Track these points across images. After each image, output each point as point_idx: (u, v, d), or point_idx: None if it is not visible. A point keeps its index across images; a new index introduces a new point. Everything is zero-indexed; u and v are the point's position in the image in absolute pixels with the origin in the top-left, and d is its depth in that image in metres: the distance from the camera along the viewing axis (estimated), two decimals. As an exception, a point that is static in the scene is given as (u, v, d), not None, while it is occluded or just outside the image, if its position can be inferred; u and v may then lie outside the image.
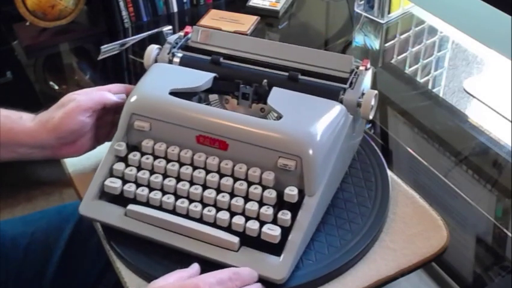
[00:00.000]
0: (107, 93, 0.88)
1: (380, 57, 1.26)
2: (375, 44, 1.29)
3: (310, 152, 0.75)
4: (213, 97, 0.88)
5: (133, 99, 0.83)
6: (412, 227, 0.82)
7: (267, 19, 1.35)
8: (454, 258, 0.82)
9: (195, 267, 0.74)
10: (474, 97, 1.09)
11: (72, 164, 0.93)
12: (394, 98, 1.10)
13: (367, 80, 0.84)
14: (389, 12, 1.31)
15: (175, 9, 1.41)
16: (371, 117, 0.82)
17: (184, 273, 0.72)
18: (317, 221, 0.79)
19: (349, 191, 0.85)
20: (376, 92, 0.82)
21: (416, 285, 0.81)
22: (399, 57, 1.23)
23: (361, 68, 0.84)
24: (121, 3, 1.34)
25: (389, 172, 0.88)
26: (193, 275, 0.72)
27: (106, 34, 1.37)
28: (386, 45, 1.28)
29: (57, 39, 1.35)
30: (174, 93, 0.83)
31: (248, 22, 1.32)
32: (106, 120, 0.90)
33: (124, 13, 1.35)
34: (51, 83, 1.28)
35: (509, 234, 0.86)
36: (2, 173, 1.64)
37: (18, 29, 1.36)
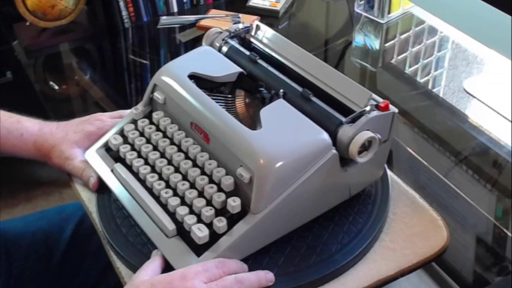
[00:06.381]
0: (104, 128, 0.91)
1: (380, 57, 1.26)
2: (375, 44, 1.29)
3: (265, 170, 0.72)
4: (239, 92, 0.88)
5: (159, 71, 0.88)
6: (412, 227, 0.81)
7: (267, 19, 1.35)
8: (454, 258, 0.82)
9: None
10: (474, 97, 1.09)
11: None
12: (394, 98, 1.10)
13: (380, 121, 0.77)
14: (389, 12, 1.31)
15: (175, 9, 1.41)
16: (360, 160, 0.76)
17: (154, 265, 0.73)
18: (263, 240, 0.76)
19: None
20: (372, 135, 0.75)
21: (416, 285, 0.81)
22: (399, 57, 1.23)
23: (369, 107, 0.76)
24: (121, 3, 1.34)
25: (389, 172, 0.88)
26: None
27: (106, 34, 1.37)
28: (386, 45, 1.28)
29: (57, 39, 1.35)
30: (196, 77, 0.85)
31: (248, 22, 1.32)
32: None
33: (124, 13, 1.35)
34: (51, 83, 1.28)
35: (509, 234, 0.86)
36: (2, 173, 1.64)
37: (18, 29, 1.36)
